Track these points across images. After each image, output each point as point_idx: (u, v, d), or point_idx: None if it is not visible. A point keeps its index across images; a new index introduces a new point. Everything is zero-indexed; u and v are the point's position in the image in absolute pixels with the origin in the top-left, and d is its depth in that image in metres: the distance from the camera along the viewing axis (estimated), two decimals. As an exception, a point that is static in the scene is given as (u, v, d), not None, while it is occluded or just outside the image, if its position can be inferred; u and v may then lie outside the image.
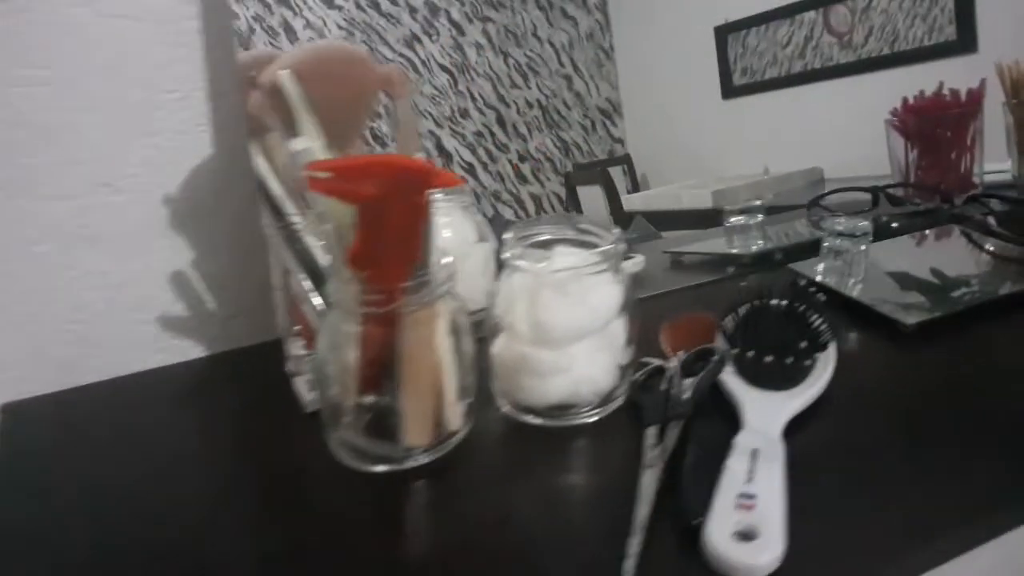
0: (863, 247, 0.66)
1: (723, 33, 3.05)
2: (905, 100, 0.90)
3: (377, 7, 2.96)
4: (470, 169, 3.18)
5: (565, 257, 0.54)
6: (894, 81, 2.40)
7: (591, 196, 2.73)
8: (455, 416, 0.52)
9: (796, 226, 1.01)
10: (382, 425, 0.50)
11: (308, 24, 2.90)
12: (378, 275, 0.47)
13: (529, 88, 3.32)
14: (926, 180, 0.89)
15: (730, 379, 0.51)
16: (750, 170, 2.91)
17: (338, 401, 0.50)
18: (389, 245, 0.49)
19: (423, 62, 3.11)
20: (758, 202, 0.80)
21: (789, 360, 0.50)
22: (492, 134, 3.24)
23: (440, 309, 0.51)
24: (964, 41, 2.23)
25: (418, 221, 0.47)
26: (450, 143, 3.15)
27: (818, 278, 0.67)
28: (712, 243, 0.95)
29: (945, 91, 0.93)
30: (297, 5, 2.79)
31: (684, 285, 0.81)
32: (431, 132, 3.13)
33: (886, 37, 2.62)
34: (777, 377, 0.51)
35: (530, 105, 3.32)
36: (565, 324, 0.53)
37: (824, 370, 0.51)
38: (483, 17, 3.15)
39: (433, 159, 3.09)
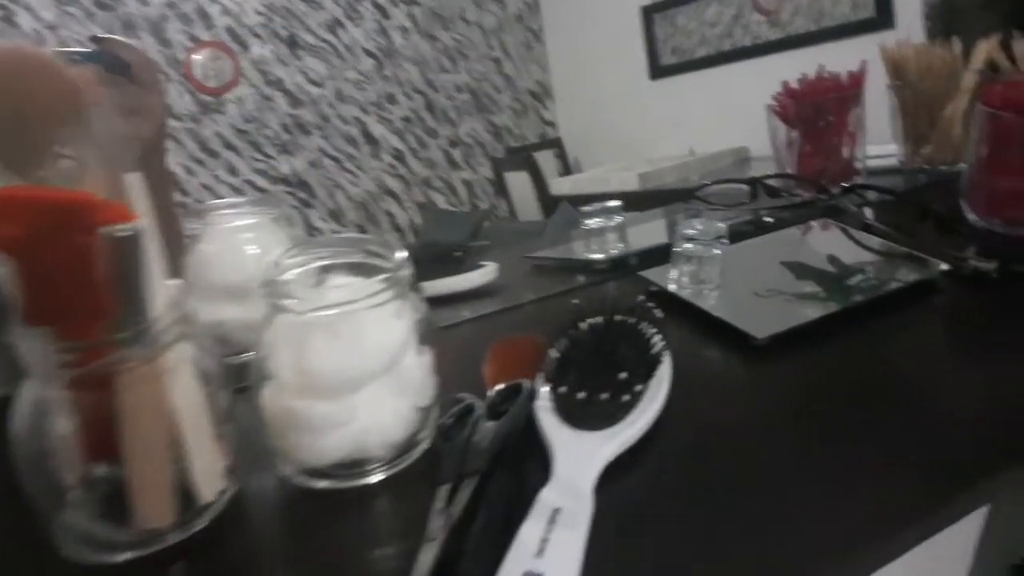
0: (717, 251, 0.56)
1: (650, 13, 2.95)
2: (786, 84, 0.81)
3: (297, -9, 2.82)
4: (399, 156, 3.07)
5: (337, 290, 0.42)
6: (820, 57, 2.32)
7: (519, 182, 2.63)
8: (208, 484, 0.41)
9: (664, 224, 0.94)
10: (119, 504, 0.39)
11: (225, 10, 2.75)
12: (65, 330, 0.35)
13: (458, 72, 3.23)
14: (808, 168, 0.82)
15: (546, 417, 0.41)
16: (679, 150, 2.84)
17: (57, 477, 0.39)
18: (63, 296, 0.37)
19: (347, 47, 2.99)
20: (615, 202, 0.82)
21: (606, 395, 0.41)
22: (421, 119, 3.14)
23: (172, 361, 0.39)
24: (882, 18, 2.15)
25: (89, 266, 0.36)
26: (377, 129, 3.05)
27: (670, 287, 0.57)
28: (570, 247, 0.85)
29: (826, 74, 0.84)
30: (212, -10, 2.64)
31: (539, 296, 0.70)
32: (357, 119, 3.02)
33: (812, 14, 2.55)
34: (595, 413, 0.41)
35: (459, 89, 3.22)
36: (338, 371, 0.43)
37: (654, 401, 0.41)
38: (409, 0, 3.00)
39: (361, 146, 2.96)
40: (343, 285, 0.45)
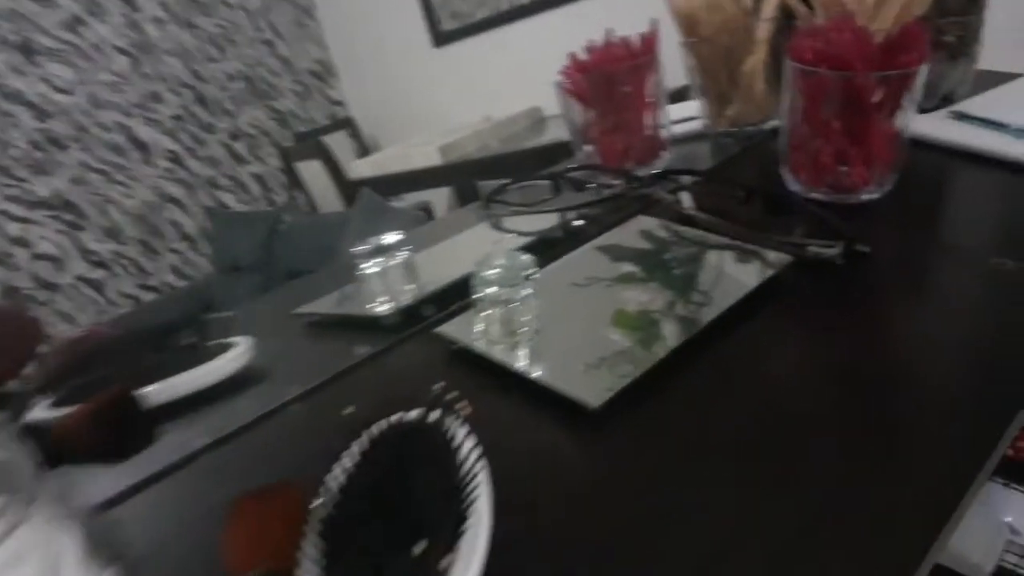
0: (527, 290, 0.49)
1: (421, -23, 2.89)
2: (573, 57, 0.72)
3: (25, -9, 2.54)
4: (175, 158, 2.89)
5: None
6: (606, 7, 2.37)
7: (313, 171, 2.53)
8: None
9: (464, 242, 0.71)
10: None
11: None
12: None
13: (227, 59, 3.09)
14: (610, 149, 0.75)
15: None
16: (475, 116, 2.84)
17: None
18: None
19: (95, 47, 2.76)
20: (396, 236, 0.67)
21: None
22: (194, 115, 2.99)
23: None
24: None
25: None
26: (145, 132, 2.87)
27: (475, 344, 0.47)
28: (352, 295, 0.66)
29: (615, 38, 0.74)
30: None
31: (309, 384, 0.53)
32: (119, 123, 2.80)
33: None
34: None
35: (232, 78, 3.09)
36: None
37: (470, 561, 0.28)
38: None
39: (129, 153, 2.75)
40: None
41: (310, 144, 2.62)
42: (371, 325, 0.60)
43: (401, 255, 0.65)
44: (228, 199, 3.13)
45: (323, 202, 2.77)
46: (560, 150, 0.91)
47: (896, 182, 0.57)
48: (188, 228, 3.00)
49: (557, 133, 2.34)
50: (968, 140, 0.64)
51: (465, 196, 3.24)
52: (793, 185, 0.62)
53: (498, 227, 0.69)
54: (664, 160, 0.80)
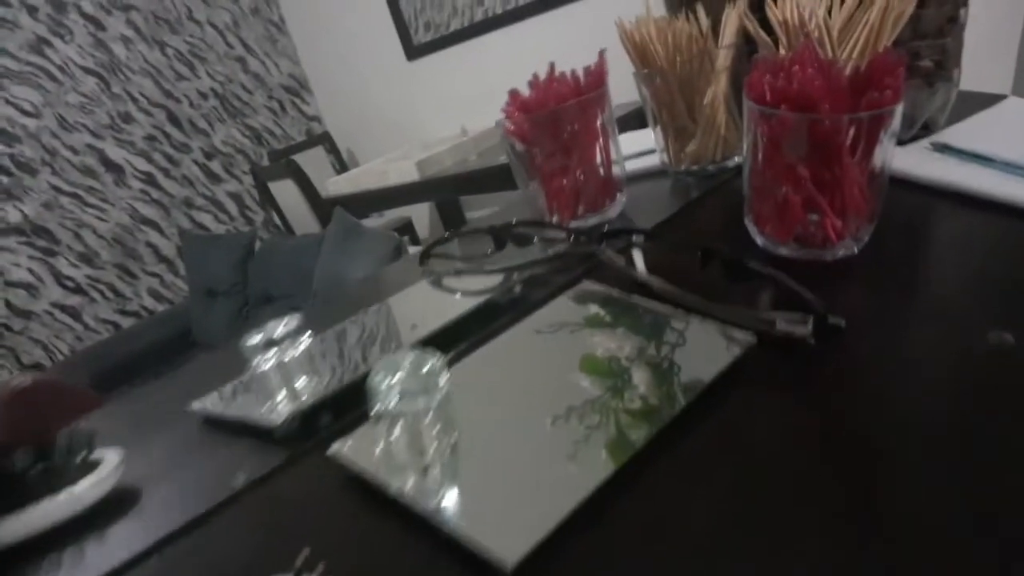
0: (436, 397, 0.35)
1: (392, -8, 2.85)
2: (514, 94, 0.63)
3: (-20, 14, 2.49)
4: (150, 179, 2.85)
5: None
6: (585, 14, 2.33)
7: (287, 191, 2.49)
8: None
9: (389, 316, 0.65)
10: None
11: None
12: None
13: (199, 77, 3.03)
14: (559, 195, 0.64)
15: None
16: (452, 130, 2.81)
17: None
18: None
19: (60, 68, 2.71)
20: (290, 320, 0.55)
21: None
22: (167, 135, 2.93)
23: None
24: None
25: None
26: (117, 154, 2.82)
27: (370, 472, 0.35)
28: (252, 392, 0.50)
29: (563, 72, 0.64)
30: None
31: (184, 518, 0.40)
32: (90, 146, 2.76)
33: None
34: None
35: (204, 96, 3.03)
36: None
37: None
38: (123, 6, 2.81)
39: (101, 175, 2.71)
40: None
41: (281, 165, 2.57)
42: (262, 434, 0.49)
43: (305, 341, 0.57)
44: (205, 219, 3.08)
45: (298, 223, 2.72)
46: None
47: (874, 232, 0.54)
48: (165, 250, 2.95)
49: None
50: (953, 178, 0.60)
51: (446, 211, 3.21)
52: (758, 238, 0.56)
53: (432, 288, 0.62)
54: (618, 204, 0.72)
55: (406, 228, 3.06)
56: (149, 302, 2.93)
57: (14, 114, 2.62)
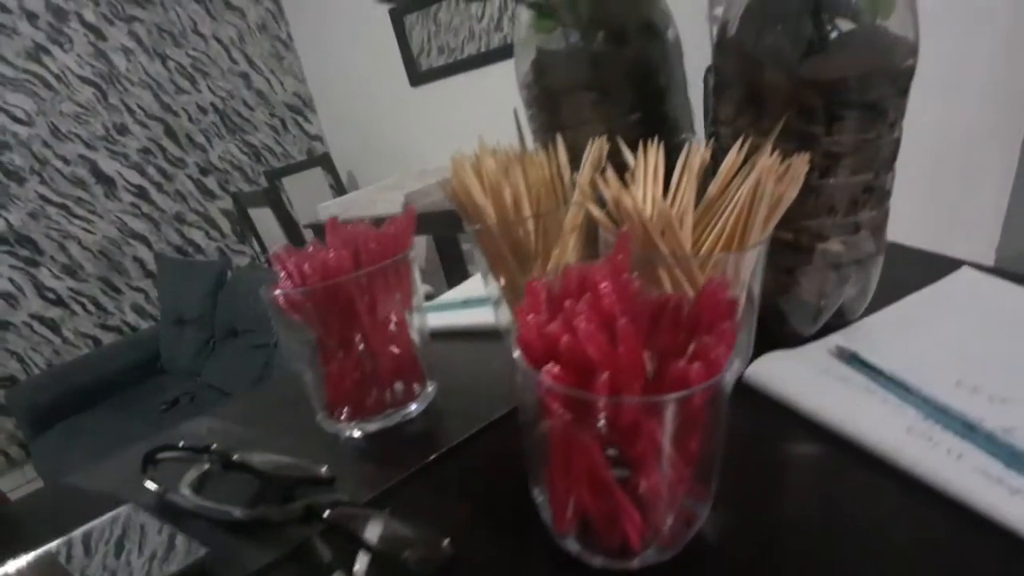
0: None
1: (398, 16, 2.74)
2: (284, 263, 0.50)
3: (-19, 16, 2.44)
4: (142, 192, 2.77)
5: None
6: None
7: (265, 219, 2.38)
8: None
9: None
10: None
11: None
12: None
13: (199, 91, 2.94)
14: (337, 389, 0.47)
15: None
16: (447, 160, 2.68)
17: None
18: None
19: (57, 76, 2.65)
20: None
21: None
22: (162, 149, 2.85)
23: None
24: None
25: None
26: (110, 166, 2.74)
27: None
28: None
29: (364, 220, 0.46)
30: None
31: None
32: (83, 157, 2.69)
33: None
34: None
35: (204, 110, 2.94)
36: None
37: None
38: (127, 17, 2.71)
39: (92, 187, 2.65)
40: None
41: (260, 192, 2.47)
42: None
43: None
44: (196, 235, 2.99)
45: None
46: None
47: (711, 515, 0.38)
48: (152, 265, 2.86)
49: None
50: (847, 422, 0.45)
51: (441, 243, 3.08)
52: (572, 547, 0.37)
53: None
54: (424, 398, 0.55)
55: (400, 258, 2.94)
56: (132, 317, 2.85)
57: (5, 121, 2.55)
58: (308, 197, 2.88)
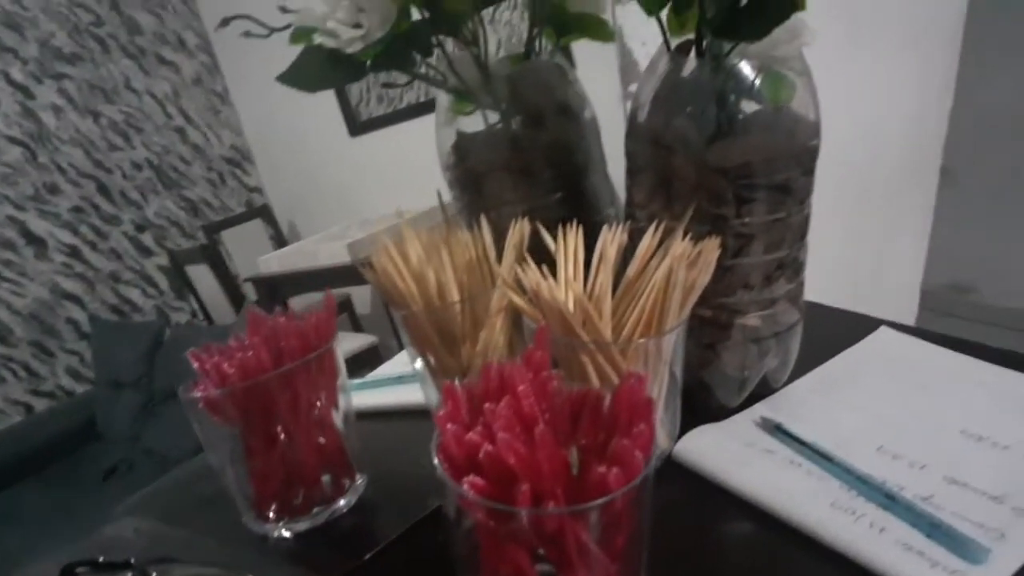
0: None
1: (337, 68, 2.73)
2: (202, 363, 0.47)
3: None
4: (74, 252, 2.69)
5: None
6: None
7: (203, 276, 2.33)
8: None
9: None
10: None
11: None
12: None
13: (133, 148, 2.88)
14: (263, 490, 0.44)
15: None
16: (391, 208, 2.67)
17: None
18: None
19: (-17, 137, 2.53)
20: None
21: None
22: (95, 207, 2.78)
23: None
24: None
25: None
26: (40, 226, 2.65)
27: None
28: None
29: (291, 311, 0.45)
30: None
31: None
32: (11, 218, 2.60)
33: (513, 47, 2.42)
34: None
35: (138, 167, 2.88)
36: None
37: None
38: (56, 74, 2.65)
39: (21, 249, 2.56)
40: None
41: (197, 250, 2.42)
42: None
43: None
44: (133, 294, 2.91)
45: (217, 311, 2.55)
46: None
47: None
48: (87, 327, 2.77)
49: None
50: (769, 499, 0.46)
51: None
52: None
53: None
54: (356, 489, 0.54)
55: (344, 306, 2.90)
56: (66, 381, 2.74)
57: (-72, 184, 2.46)
58: (249, 250, 2.83)
